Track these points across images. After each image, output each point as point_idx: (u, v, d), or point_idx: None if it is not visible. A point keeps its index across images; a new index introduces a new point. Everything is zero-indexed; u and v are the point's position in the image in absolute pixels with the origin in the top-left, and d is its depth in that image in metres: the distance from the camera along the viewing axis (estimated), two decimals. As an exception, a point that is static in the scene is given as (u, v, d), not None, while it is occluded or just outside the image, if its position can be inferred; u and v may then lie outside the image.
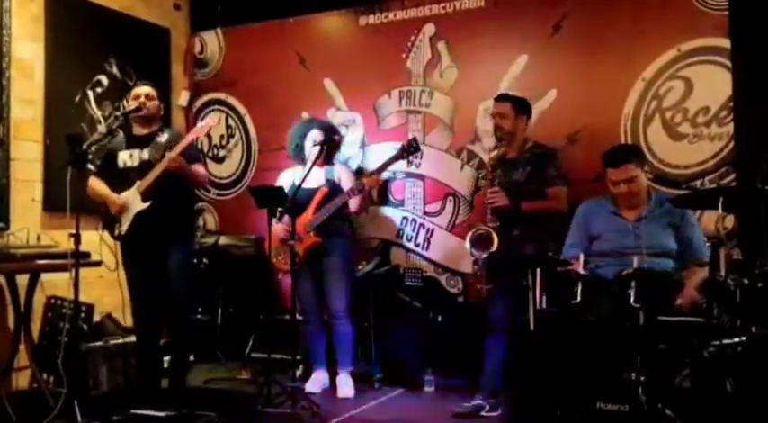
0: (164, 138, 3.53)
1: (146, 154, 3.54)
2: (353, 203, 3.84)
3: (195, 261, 4.52)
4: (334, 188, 3.89)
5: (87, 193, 3.58)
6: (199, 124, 3.59)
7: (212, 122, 3.52)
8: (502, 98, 3.62)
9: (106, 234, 3.59)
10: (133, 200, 3.48)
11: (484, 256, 3.33)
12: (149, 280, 3.60)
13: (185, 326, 3.69)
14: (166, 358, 3.80)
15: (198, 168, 3.60)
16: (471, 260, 3.42)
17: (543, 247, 3.38)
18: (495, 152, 3.52)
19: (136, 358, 3.83)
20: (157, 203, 3.45)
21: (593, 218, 3.23)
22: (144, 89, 3.65)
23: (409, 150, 3.77)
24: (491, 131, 3.71)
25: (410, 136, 4.40)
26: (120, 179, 3.56)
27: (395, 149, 3.85)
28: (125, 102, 4.50)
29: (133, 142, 3.63)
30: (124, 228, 3.51)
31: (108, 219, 3.56)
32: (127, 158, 3.60)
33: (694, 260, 3.05)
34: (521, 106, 3.58)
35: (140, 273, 3.61)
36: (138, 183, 3.47)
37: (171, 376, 3.66)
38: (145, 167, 3.48)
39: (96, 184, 3.61)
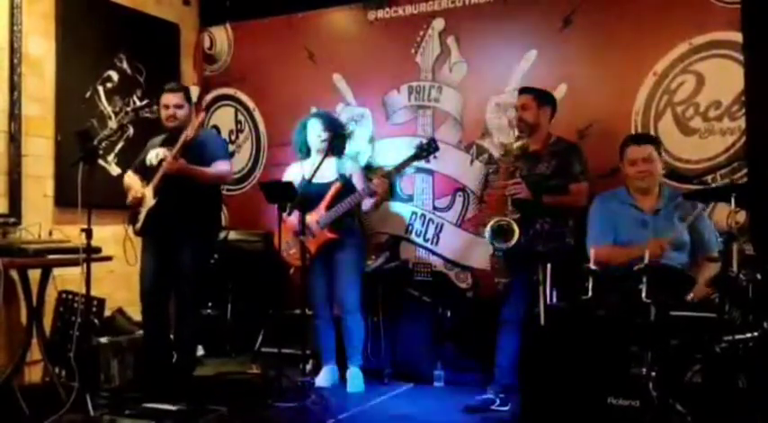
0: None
1: (164, 151, 3.60)
2: (367, 203, 3.84)
3: (210, 259, 4.53)
4: (346, 184, 3.88)
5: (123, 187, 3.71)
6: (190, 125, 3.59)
7: (198, 120, 3.53)
8: (524, 90, 3.60)
9: (130, 229, 3.68)
10: (147, 197, 3.57)
11: (504, 247, 3.28)
12: (159, 275, 3.65)
13: (190, 323, 3.70)
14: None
15: (219, 165, 3.62)
16: (485, 253, 3.34)
17: (564, 241, 3.37)
18: (519, 143, 3.48)
19: (145, 352, 3.87)
20: (165, 201, 3.52)
21: (614, 210, 3.21)
22: (173, 99, 3.67)
23: (428, 150, 3.74)
24: (502, 126, 3.68)
25: (419, 131, 4.42)
26: (147, 176, 3.66)
27: (413, 148, 3.80)
28: (135, 98, 4.54)
29: (164, 141, 3.73)
30: (139, 225, 3.62)
31: (132, 214, 3.66)
32: (153, 157, 3.70)
33: (705, 255, 3.04)
34: (543, 98, 3.56)
35: (152, 266, 3.68)
36: (153, 180, 3.57)
37: (175, 372, 3.67)
38: (161, 165, 3.54)
39: (127, 179, 3.75)
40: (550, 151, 3.50)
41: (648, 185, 3.15)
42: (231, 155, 5.05)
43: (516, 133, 3.61)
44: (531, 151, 3.54)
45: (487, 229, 3.32)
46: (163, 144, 3.72)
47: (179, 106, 3.67)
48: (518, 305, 3.41)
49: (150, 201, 3.56)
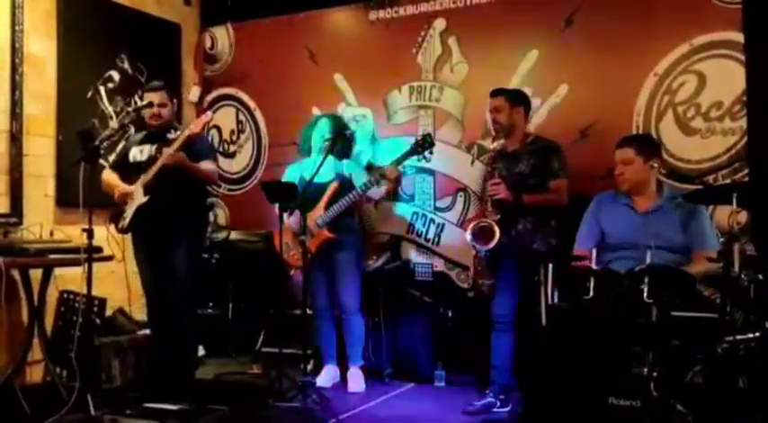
0: (174, 134, 3.55)
1: (154, 150, 3.58)
2: (378, 191, 3.83)
3: (204, 256, 4.56)
4: (344, 183, 3.89)
5: (102, 187, 3.64)
6: (195, 121, 3.61)
7: (206, 118, 3.54)
8: (495, 93, 3.62)
9: (113, 227, 3.63)
10: (136, 194, 3.53)
11: (485, 250, 3.31)
12: (158, 273, 3.64)
13: (188, 321, 3.69)
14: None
15: (206, 165, 3.60)
16: (472, 255, 3.38)
17: (547, 241, 3.38)
18: (495, 144, 3.53)
19: (149, 351, 3.87)
20: (158, 198, 3.48)
21: (606, 211, 3.22)
22: (156, 97, 3.63)
23: (423, 146, 3.76)
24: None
25: (420, 131, 4.42)
26: (131, 174, 3.62)
27: (408, 145, 3.83)
28: (136, 97, 4.54)
29: (146, 138, 3.70)
30: (126, 221, 3.57)
31: (114, 212, 3.62)
32: (137, 153, 3.67)
33: (703, 254, 3.01)
34: (515, 98, 3.58)
35: (149, 266, 3.67)
36: (142, 177, 3.53)
37: (177, 371, 3.67)
38: (151, 163, 3.53)
39: (108, 177, 3.69)
40: (528, 150, 3.52)
41: (628, 188, 3.15)
42: (233, 155, 5.10)
43: (492, 134, 3.64)
44: (509, 151, 3.56)
45: (468, 232, 3.35)
46: (145, 141, 3.68)
47: (163, 105, 3.64)
48: (507, 305, 3.43)
49: (141, 198, 3.50)
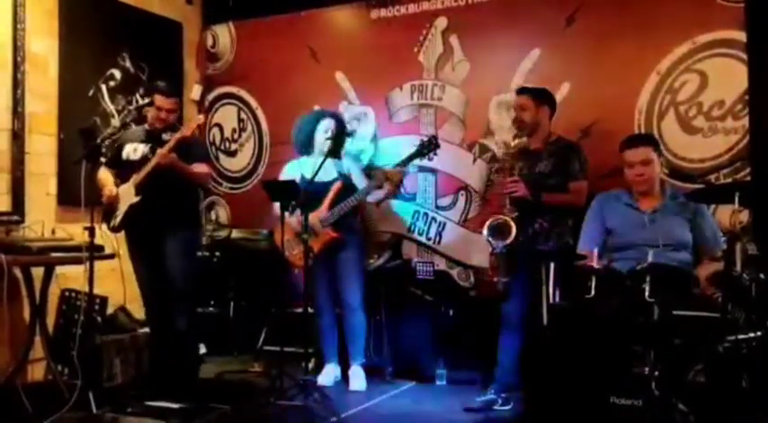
0: (169, 135, 3.56)
1: (148, 149, 3.59)
2: (378, 194, 3.83)
3: (206, 254, 4.60)
4: (347, 182, 3.88)
5: (98, 185, 3.64)
6: (187, 124, 3.63)
7: (197, 121, 3.58)
8: (521, 91, 3.61)
9: (104, 226, 3.63)
10: (127, 193, 3.55)
11: (501, 246, 3.31)
12: (154, 272, 3.65)
13: (188, 317, 3.69)
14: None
15: (199, 167, 3.63)
16: (488, 252, 3.38)
17: (563, 240, 3.37)
18: (517, 141, 3.52)
19: (149, 349, 3.87)
20: (151, 197, 3.50)
21: (609, 211, 3.22)
22: (168, 104, 3.64)
23: (429, 147, 3.76)
24: (506, 125, 3.70)
25: (422, 130, 4.42)
26: (124, 171, 3.64)
27: (413, 146, 3.83)
28: (138, 96, 4.54)
29: (142, 136, 3.71)
30: (117, 220, 3.59)
31: (106, 211, 3.62)
32: (131, 151, 3.68)
33: (708, 254, 3.03)
34: (540, 97, 3.56)
35: (144, 265, 3.68)
36: (134, 176, 3.54)
37: (179, 369, 3.68)
38: (144, 162, 3.54)
39: (102, 174, 3.70)
40: (550, 150, 3.51)
41: (647, 188, 3.15)
42: (234, 153, 5.09)
43: (515, 132, 3.63)
44: (531, 150, 3.55)
45: (485, 228, 3.34)
46: (141, 139, 3.69)
47: (172, 111, 3.67)
48: (519, 304, 3.41)
49: (133, 197, 3.52)
